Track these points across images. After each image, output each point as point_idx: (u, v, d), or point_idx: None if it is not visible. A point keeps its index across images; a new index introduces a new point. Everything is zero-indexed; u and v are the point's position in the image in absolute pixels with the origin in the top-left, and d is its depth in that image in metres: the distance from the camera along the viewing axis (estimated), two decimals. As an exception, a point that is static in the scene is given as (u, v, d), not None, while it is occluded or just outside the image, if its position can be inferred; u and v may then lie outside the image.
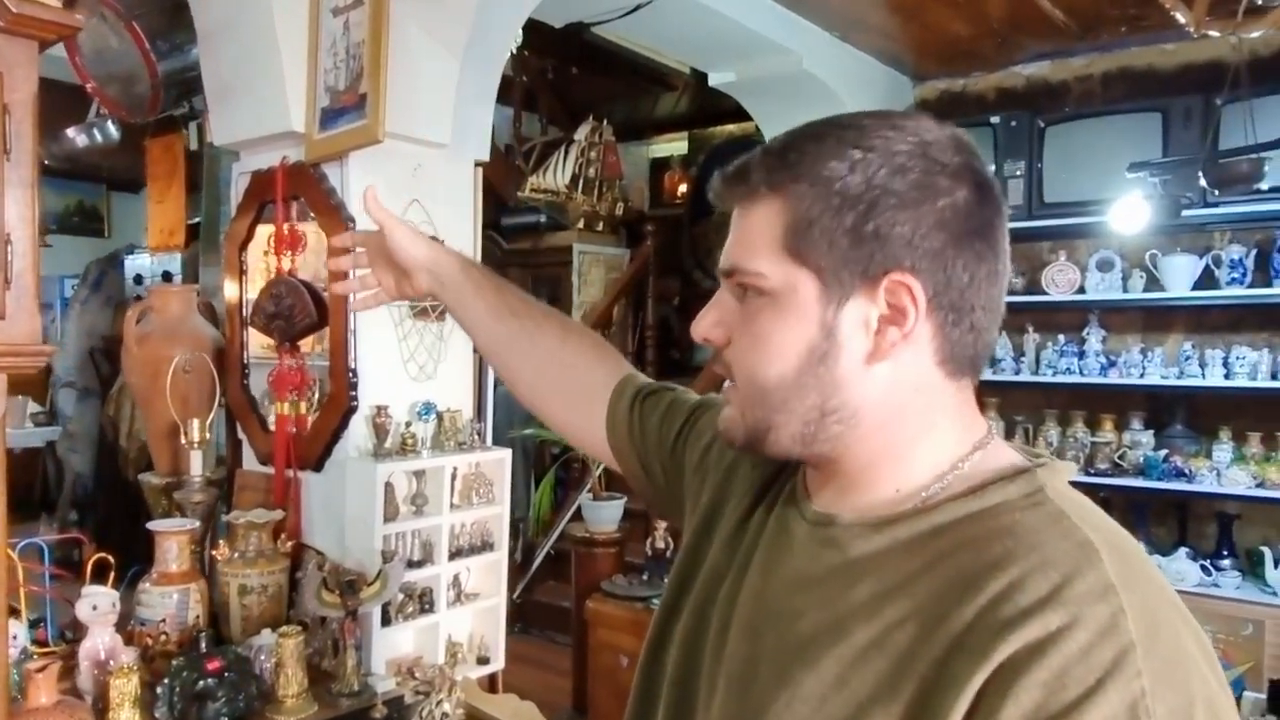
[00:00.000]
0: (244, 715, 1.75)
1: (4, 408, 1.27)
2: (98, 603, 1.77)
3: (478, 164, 2.43)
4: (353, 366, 2.11)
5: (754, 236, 0.67)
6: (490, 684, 2.40)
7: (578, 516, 3.68)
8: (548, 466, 4.27)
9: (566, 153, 5.03)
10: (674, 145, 6.91)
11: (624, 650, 3.18)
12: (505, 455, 2.35)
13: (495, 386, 2.65)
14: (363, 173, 2.12)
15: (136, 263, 5.34)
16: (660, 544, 3.41)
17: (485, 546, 2.35)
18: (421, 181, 2.25)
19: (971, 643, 0.56)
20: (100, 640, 1.77)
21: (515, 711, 2.11)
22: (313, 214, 2.15)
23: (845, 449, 0.68)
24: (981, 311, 0.66)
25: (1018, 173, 3.91)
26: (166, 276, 5.01)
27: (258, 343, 2.35)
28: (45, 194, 7.24)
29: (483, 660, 2.37)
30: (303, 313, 2.14)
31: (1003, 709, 0.53)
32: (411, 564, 2.16)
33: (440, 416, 2.27)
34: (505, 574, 2.40)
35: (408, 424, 2.20)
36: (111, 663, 1.76)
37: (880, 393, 0.66)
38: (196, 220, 3.92)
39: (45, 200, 7.24)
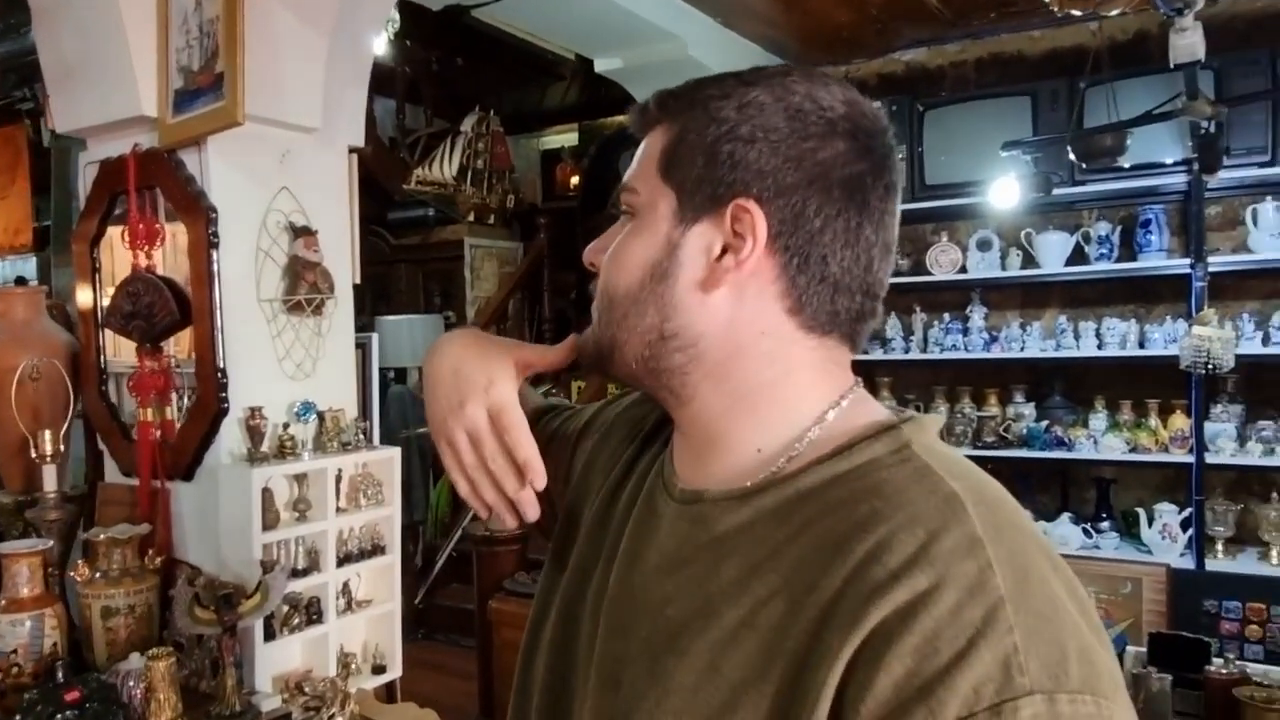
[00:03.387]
0: (110, 748, 1.61)
1: None
2: (-66, 637, 1.60)
3: (352, 150, 2.32)
4: (221, 366, 1.98)
5: (642, 159, 0.68)
6: (389, 693, 2.30)
7: (478, 516, 3.59)
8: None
9: (453, 144, 4.90)
10: (565, 137, 6.84)
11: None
12: (394, 454, 2.25)
13: (387, 385, 2.53)
14: (224, 158, 1.99)
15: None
16: (563, 538, 3.35)
17: (376, 550, 2.24)
18: (290, 169, 2.12)
19: (841, 611, 0.54)
20: (-61, 678, 1.60)
21: (414, 719, 2.02)
22: (169, 204, 2.00)
23: (694, 389, 0.66)
24: (837, 266, 0.63)
25: (900, 156, 3.99)
26: (20, 281, 4.65)
27: (117, 347, 2.18)
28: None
29: (379, 669, 2.27)
30: (164, 311, 1.99)
31: (875, 680, 0.51)
32: (296, 573, 2.04)
33: (322, 416, 2.15)
34: (399, 578, 2.30)
35: (286, 425, 2.07)
36: (-47, 701, 1.59)
37: (720, 326, 0.64)
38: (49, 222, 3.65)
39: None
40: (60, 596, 1.90)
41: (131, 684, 1.77)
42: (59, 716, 1.57)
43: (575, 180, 6.55)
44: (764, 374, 0.64)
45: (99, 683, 1.67)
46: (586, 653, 0.68)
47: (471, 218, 5.12)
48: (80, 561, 1.88)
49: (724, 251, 0.63)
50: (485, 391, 0.75)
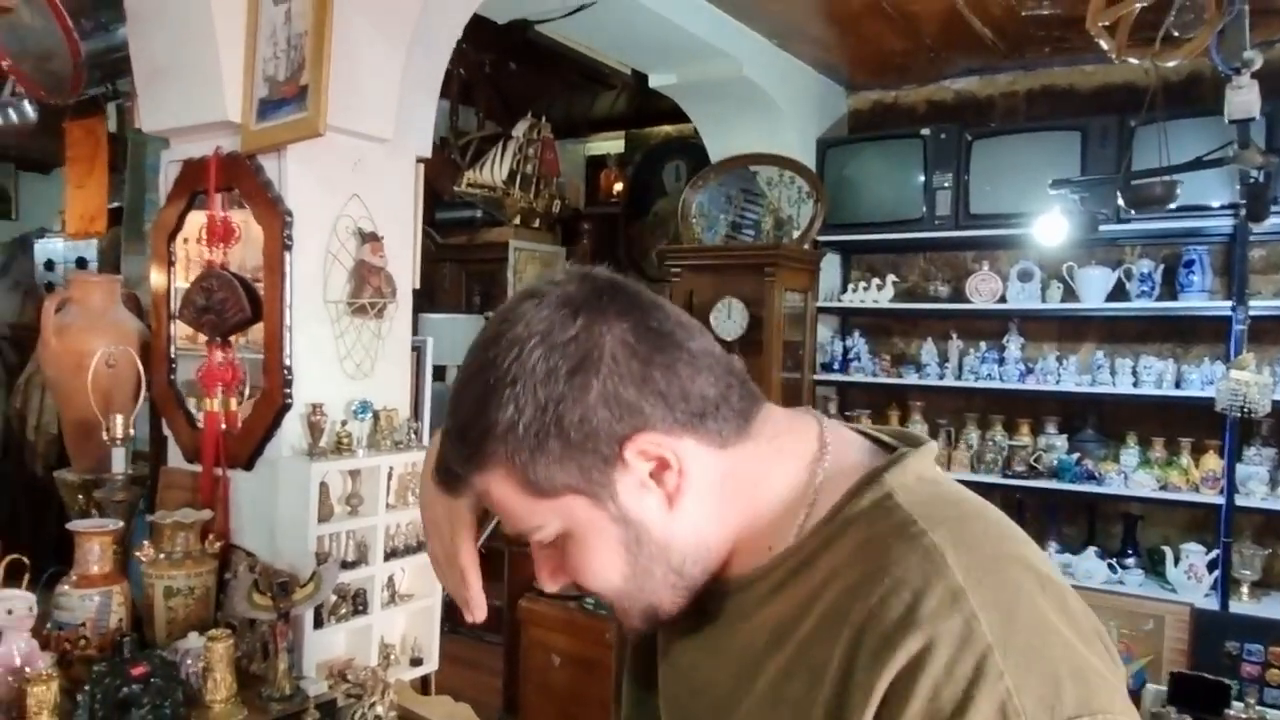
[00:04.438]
0: (170, 722, 1.70)
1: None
2: (13, 606, 1.69)
3: (419, 160, 2.40)
4: (287, 363, 2.07)
5: (509, 506, 0.69)
6: (424, 685, 2.38)
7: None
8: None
9: (504, 149, 4.99)
10: (610, 144, 6.90)
11: (556, 650, 3.19)
12: (443, 455, 2.32)
13: (432, 385, 2.61)
14: (301, 164, 2.08)
15: (48, 247, 5.12)
16: (593, 543, 3.42)
17: (420, 547, 2.32)
18: (361, 176, 2.21)
19: (853, 683, 0.59)
20: (15, 646, 1.70)
21: (449, 713, 2.10)
22: (247, 205, 2.09)
23: (716, 561, 0.72)
24: (707, 385, 0.68)
25: (945, 184, 4.03)
26: (81, 263, 4.81)
27: (185, 336, 2.28)
28: (-54, 171, 6.85)
29: (416, 661, 2.35)
30: (235, 307, 2.09)
31: None
32: (345, 565, 2.12)
33: (377, 415, 2.23)
34: (440, 575, 2.38)
35: (343, 423, 2.16)
36: (28, 669, 1.68)
37: (701, 514, 0.69)
38: (115, 205, 3.78)
39: (-54, 178, 6.85)
40: (125, 575, 1.99)
41: (190, 662, 1.86)
42: (125, 690, 1.66)
43: (619, 187, 6.62)
44: (748, 502, 0.71)
45: (161, 660, 1.76)
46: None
47: (517, 221, 5.20)
48: (146, 542, 1.97)
49: (651, 476, 0.67)
50: (447, 513, 0.81)
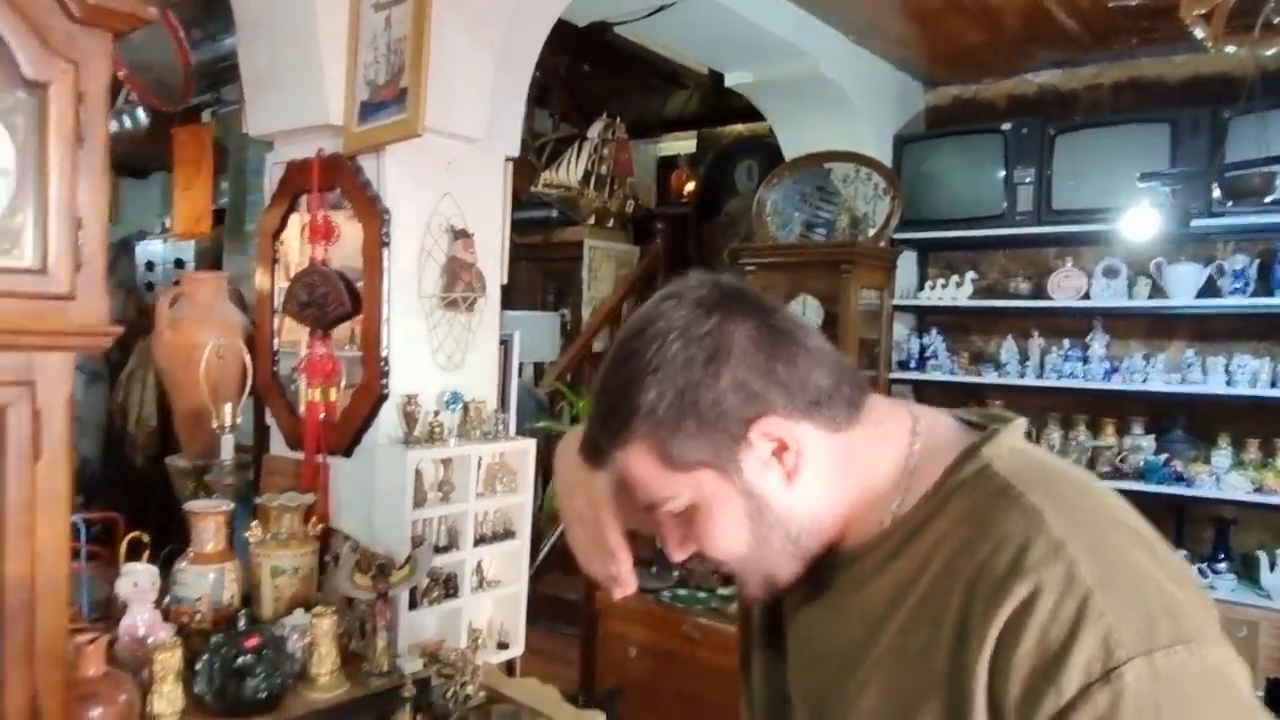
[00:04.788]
0: (279, 692, 1.80)
1: (70, 388, 1.31)
2: (138, 579, 1.82)
3: (508, 159, 2.48)
4: (384, 355, 2.16)
5: (646, 479, 0.77)
6: (509, 670, 2.45)
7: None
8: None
9: (580, 149, 5.07)
10: (682, 144, 6.95)
11: (633, 641, 3.24)
12: (529, 446, 2.40)
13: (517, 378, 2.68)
14: (398, 165, 2.17)
15: (148, 249, 5.37)
16: (670, 537, 3.46)
17: (507, 534, 2.40)
18: (454, 176, 2.29)
19: (970, 629, 0.66)
20: (140, 616, 1.82)
21: (536, 695, 2.16)
22: (348, 204, 2.19)
23: (829, 534, 0.79)
24: (821, 376, 0.75)
25: (1027, 180, 3.97)
26: (179, 264, 5.04)
27: (286, 330, 2.40)
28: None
29: (502, 645, 2.42)
30: (337, 302, 2.19)
31: (1010, 677, 0.63)
32: (437, 549, 2.20)
33: (466, 407, 2.31)
34: (526, 562, 2.45)
35: (436, 413, 2.24)
36: (150, 638, 1.80)
37: (816, 490, 0.77)
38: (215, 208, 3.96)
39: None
40: (235, 554, 2.11)
41: (295, 637, 1.96)
42: (239, 659, 1.76)
43: (690, 187, 6.65)
44: (858, 482, 0.78)
45: (271, 633, 1.86)
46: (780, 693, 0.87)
47: (591, 220, 5.28)
48: (254, 523, 2.08)
49: (773, 455, 0.75)
50: (586, 485, 0.87)
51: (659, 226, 5.47)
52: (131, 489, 4.63)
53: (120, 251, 5.56)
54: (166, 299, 2.45)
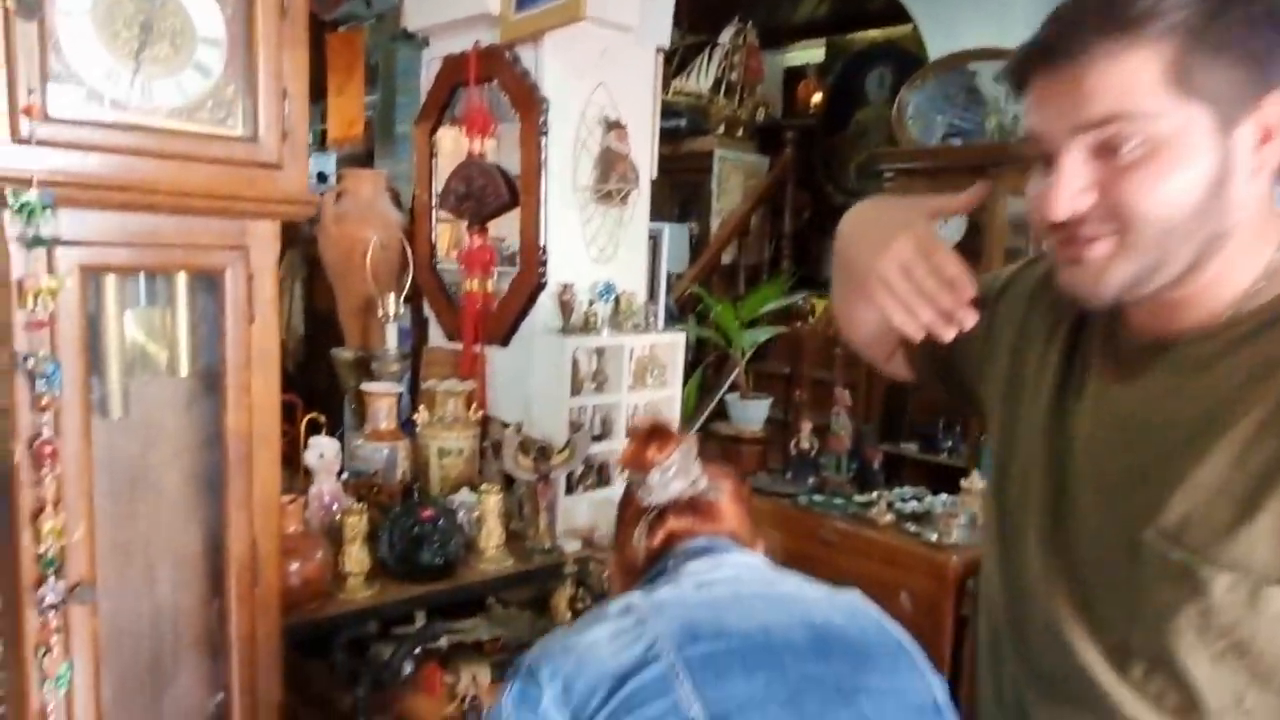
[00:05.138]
0: (452, 561, 1.90)
1: (277, 252, 1.38)
2: (324, 451, 1.93)
3: (659, 50, 2.44)
4: (543, 245, 2.19)
5: (1128, 89, 0.67)
6: (656, 558, 2.51)
7: (720, 416, 3.76)
8: (696, 363, 4.30)
9: (710, 56, 4.95)
10: (810, 53, 6.70)
11: (767, 546, 3.27)
12: (679, 339, 2.41)
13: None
14: (554, 55, 2.16)
15: (325, 166, 5.57)
16: (805, 444, 3.45)
17: (657, 427, 2.43)
18: (607, 66, 2.27)
19: None
20: (325, 485, 1.94)
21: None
22: (506, 95, 2.21)
23: (1205, 271, 0.72)
24: None
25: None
26: (321, 178, 5.22)
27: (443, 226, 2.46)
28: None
29: (650, 535, 2.48)
30: (495, 193, 2.22)
31: None
32: (593, 438, 2.26)
33: (618, 298, 2.33)
34: (674, 455, 2.48)
35: (590, 303, 2.27)
36: (335, 505, 1.92)
37: (1252, 208, 0.70)
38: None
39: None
40: (405, 434, 2.21)
41: (462, 514, 2.05)
42: (417, 528, 1.86)
43: (817, 98, 6.43)
44: (1249, 238, 0.72)
45: (444, 507, 1.95)
46: (1055, 472, 0.82)
47: (721, 130, 5.18)
48: (422, 408, 2.18)
49: (1259, 141, 0.68)
50: (907, 228, 0.82)
51: (789, 136, 5.32)
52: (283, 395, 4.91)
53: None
54: (331, 196, 2.54)
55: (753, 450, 3.47)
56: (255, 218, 1.35)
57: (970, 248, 3.92)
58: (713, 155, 5.13)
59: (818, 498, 3.27)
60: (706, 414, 4.15)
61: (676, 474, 1.00)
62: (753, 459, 3.47)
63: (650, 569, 0.97)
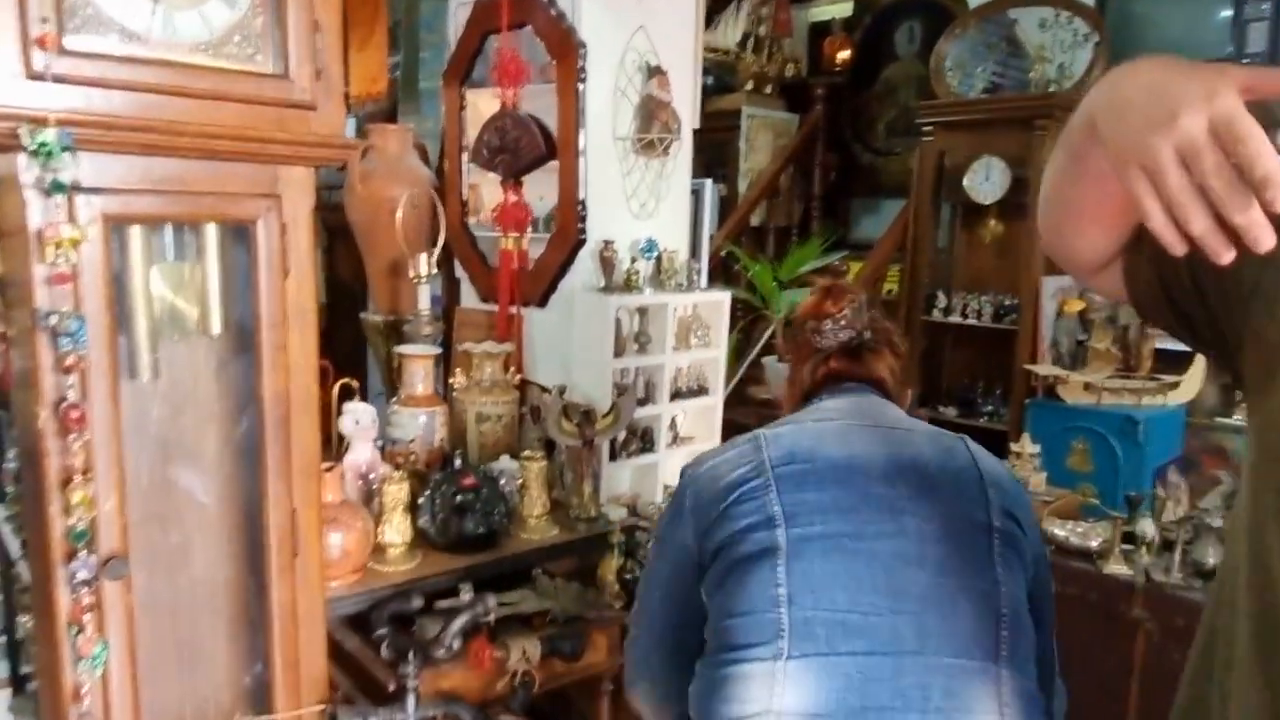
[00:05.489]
0: (495, 530, 1.81)
1: (313, 202, 1.28)
2: (360, 417, 1.84)
3: (700, -9, 2.31)
4: (582, 199, 2.08)
5: None
6: (700, 526, 2.43)
7: (755, 381, 3.65)
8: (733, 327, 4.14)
9: (738, 9, 4.78)
10: (837, 8, 6.49)
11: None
12: (724, 298, 2.30)
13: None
14: (592, -5, 2.04)
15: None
16: (845, 408, 3.35)
17: (701, 390, 2.34)
18: (646, 9, 2.14)
19: None
20: (362, 454, 1.85)
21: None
22: (540, 40, 2.08)
23: None
24: None
25: (1262, 13, 3.47)
26: (340, 140, 5.11)
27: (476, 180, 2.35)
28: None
29: (694, 502, 2.39)
30: (530, 145, 2.11)
31: None
32: (636, 402, 2.16)
33: (660, 256, 2.23)
34: (719, 419, 2.39)
35: (631, 260, 2.16)
36: (372, 474, 1.84)
37: None
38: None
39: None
40: (443, 399, 2.12)
41: (504, 481, 1.97)
42: (459, 497, 1.78)
43: (844, 54, 6.23)
44: None
45: (485, 474, 1.87)
46: None
47: (749, 87, 5.02)
48: (458, 370, 2.08)
49: None
50: (1206, 101, 0.59)
51: (818, 93, 5.15)
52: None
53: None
54: (356, 152, 2.43)
55: (791, 415, 3.36)
56: (288, 163, 1.24)
57: (1015, 204, 3.78)
58: (740, 113, 4.97)
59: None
60: (740, 375, 4.06)
61: (845, 325, 1.19)
62: (791, 424, 3.36)
63: (807, 400, 1.19)
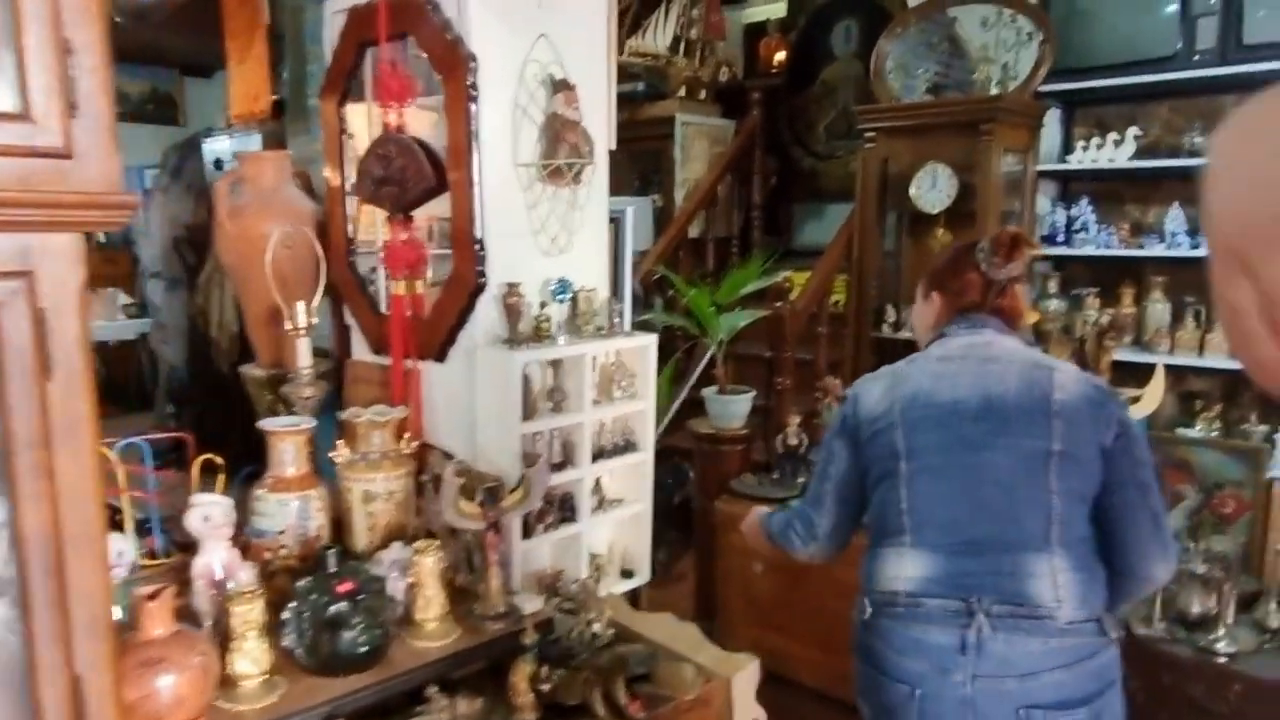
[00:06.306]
0: (381, 644, 1.51)
1: (84, 276, 0.97)
2: (210, 513, 1.52)
3: (611, -7, 2.03)
4: (479, 237, 1.78)
5: None
6: (633, 601, 2.14)
7: (698, 412, 3.38)
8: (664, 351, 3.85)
9: (667, 11, 4.52)
10: (771, 8, 6.28)
11: (758, 556, 2.92)
12: (649, 341, 2.02)
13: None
14: (483, 1, 1.75)
15: (215, 146, 5.07)
16: (793, 440, 3.10)
17: (628, 447, 2.06)
18: (549, 14, 1.86)
19: None
20: (215, 556, 1.54)
21: (672, 634, 1.84)
22: (424, 52, 1.78)
23: None
24: None
25: (1210, 8, 3.31)
26: (218, 165, 4.73)
27: (364, 216, 2.04)
28: (116, 79, 7.04)
29: (626, 574, 2.11)
30: (418, 175, 1.81)
31: None
32: (552, 467, 1.87)
33: (575, 298, 1.94)
34: (650, 477, 2.11)
35: (541, 305, 1.88)
36: (230, 582, 1.52)
37: None
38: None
39: (117, 85, 7.05)
40: (321, 478, 1.81)
41: (395, 575, 1.66)
42: (334, 609, 1.47)
43: (780, 56, 6.02)
44: None
45: (369, 575, 1.56)
46: None
47: (682, 92, 4.76)
48: (340, 442, 1.77)
49: None
50: None
51: (755, 97, 4.91)
52: (218, 397, 4.47)
53: (187, 151, 5.26)
54: (225, 184, 2.11)
55: (734, 450, 3.10)
56: (41, 229, 0.93)
57: (964, 212, 3.58)
58: (674, 120, 4.71)
59: (811, 502, 2.92)
60: (678, 406, 3.78)
61: (1014, 267, 1.52)
62: (734, 460, 3.10)
63: (945, 323, 1.54)
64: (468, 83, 1.71)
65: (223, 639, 1.42)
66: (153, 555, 1.77)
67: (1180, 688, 2.06)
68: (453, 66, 1.72)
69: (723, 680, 1.64)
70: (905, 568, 1.38)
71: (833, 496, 1.54)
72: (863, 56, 5.21)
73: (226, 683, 1.38)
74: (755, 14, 6.42)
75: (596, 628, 1.73)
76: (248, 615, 1.37)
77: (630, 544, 2.11)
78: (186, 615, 1.53)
